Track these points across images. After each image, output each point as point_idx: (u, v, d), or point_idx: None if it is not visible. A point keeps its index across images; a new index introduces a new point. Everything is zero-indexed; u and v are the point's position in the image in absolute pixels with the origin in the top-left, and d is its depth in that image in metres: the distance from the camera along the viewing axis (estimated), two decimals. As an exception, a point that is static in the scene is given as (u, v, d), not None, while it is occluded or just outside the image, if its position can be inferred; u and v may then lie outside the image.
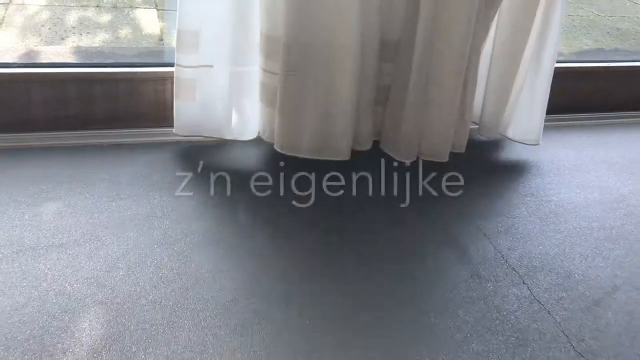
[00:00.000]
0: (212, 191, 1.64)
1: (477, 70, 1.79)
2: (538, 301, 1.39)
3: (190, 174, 1.67)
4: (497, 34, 1.85)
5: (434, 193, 1.73)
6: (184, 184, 1.62)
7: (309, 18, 1.57)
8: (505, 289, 1.42)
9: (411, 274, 1.44)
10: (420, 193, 1.73)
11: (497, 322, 1.32)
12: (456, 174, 1.80)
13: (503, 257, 1.52)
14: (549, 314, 1.36)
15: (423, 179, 1.77)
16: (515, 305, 1.37)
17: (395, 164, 1.81)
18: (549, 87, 1.87)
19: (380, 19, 1.64)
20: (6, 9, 2.70)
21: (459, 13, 1.63)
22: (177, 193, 1.58)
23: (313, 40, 1.60)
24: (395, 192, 1.72)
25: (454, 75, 1.69)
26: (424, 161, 1.82)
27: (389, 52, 1.71)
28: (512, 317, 1.33)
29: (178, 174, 1.67)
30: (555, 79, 2.13)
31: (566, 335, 1.31)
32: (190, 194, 1.60)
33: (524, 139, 1.95)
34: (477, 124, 1.99)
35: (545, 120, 2.05)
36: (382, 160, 1.81)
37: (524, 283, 1.44)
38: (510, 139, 1.96)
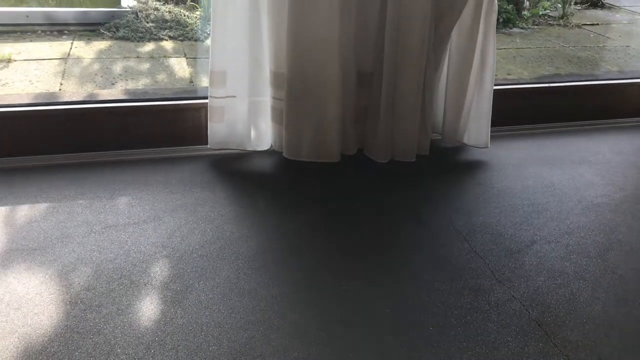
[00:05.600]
0: (238, 187, 2.22)
1: (432, 93, 2.36)
2: (474, 251, 1.93)
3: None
4: (449, 66, 2.42)
5: (403, 184, 2.30)
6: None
7: (304, 59, 2.15)
8: (451, 244, 1.96)
9: (383, 237, 1.99)
10: (393, 184, 2.29)
11: (442, 263, 1.86)
12: (421, 170, 2.37)
13: (452, 225, 2.06)
14: (481, 258, 1.89)
15: (395, 174, 2.34)
16: (457, 254, 1.91)
17: (374, 164, 2.39)
18: (491, 102, 2.42)
19: (356, 58, 2.23)
20: (66, 63, 3.31)
21: (413, 52, 2.20)
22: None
23: (308, 74, 2.18)
24: (373, 184, 2.29)
25: (413, 97, 2.27)
26: (396, 161, 2.39)
27: (365, 81, 2.29)
28: (454, 260, 1.87)
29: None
30: (507, 97, 2.72)
31: (491, 271, 1.84)
32: (222, 188, 2.19)
33: (476, 144, 2.50)
34: (440, 134, 2.56)
35: (497, 130, 2.62)
36: (364, 161, 2.39)
37: (465, 240, 1.98)
38: (465, 144, 2.52)
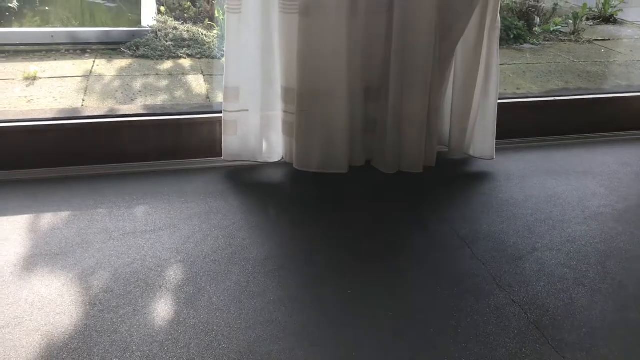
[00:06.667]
0: (250, 197, 2.31)
1: (438, 107, 2.43)
2: (477, 258, 1.99)
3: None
4: (455, 81, 2.50)
5: (410, 193, 2.37)
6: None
7: (314, 75, 2.24)
8: (454, 251, 2.02)
9: (388, 244, 2.06)
10: (400, 194, 2.37)
11: (445, 269, 1.92)
12: (427, 181, 2.45)
13: (456, 233, 2.13)
14: (483, 264, 1.96)
15: (402, 184, 2.42)
16: (460, 260, 1.97)
17: (382, 175, 2.47)
18: (496, 115, 2.49)
19: (363, 73, 2.32)
20: (88, 80, 3.45)
21: (419, 68, 2.29)
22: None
23: (317, 89, 2.26)
24: (380, 194, 2.36)
25: (419, 111, 2.34)
26: (403, 172, 2.47)
27: (373, 95, 2.38)
28: (456, 267, 1.93)
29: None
30: (513, 110, 2.79)
31: (492, 276, 1.90)
32: (235, 197, 2.28)
33: (482, 155, 2.57)
34: (447, 147, 2.63)
35: (503, 143, 2.69)
36: (372, 172, 2.47)
37: (468, 247, 2.05)
38: (471, 156, 2.59)
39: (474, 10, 2.32)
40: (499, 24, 2.38)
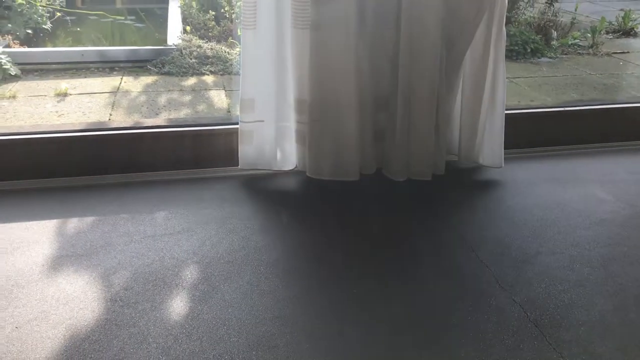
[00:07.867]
0: (265, 203, 2.41)
1: (447, 116, 2.52)
2: (481, 261, 2.06)
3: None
4: (463, 91, 2.58)
5: (418, 200, 2.45)
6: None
7: (324, 87, 2.34)
8: (459, 255, 2.09)
9: (394, 248, 2.13)
10: (408, 200, 2.45)
11: (449, 271, 1.99)
12: (436, 188, 2.53)
13: (462, 237, 2.19)
14: (487, 267, 2.02)
15: (411, 191, 2.50)
16: (464, 263, 2.04)
17: (392, 182, 2.56)
18: (503, 124, 2.56)
19: (372, 84, 2.42)
20: (115, 95, 3.62)
21: (426, 78, 2.38)
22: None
23: (327, 100, 2.37)
24: (390, 200, 2.45)
25: (427, 121, 2.43)
26: (413, 180, 2.55)
27: (382, 105, 2.48)
28: (460, 269, 2.00)
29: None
30: (523, 120, 2.85)
31: (495, 278, 1.96)
32: (250, 204, 2.39)
33: (491, 164, 2.63)
34: (457, 155, 2.71)
35: (513, 152, 2.76)
36: (382, 180, 2.56)
37: (473, 251, 2.11)
38: (480, 164, 2.66)
39: (480, 22, 2.41)
40: (504, 35, 2.46)
